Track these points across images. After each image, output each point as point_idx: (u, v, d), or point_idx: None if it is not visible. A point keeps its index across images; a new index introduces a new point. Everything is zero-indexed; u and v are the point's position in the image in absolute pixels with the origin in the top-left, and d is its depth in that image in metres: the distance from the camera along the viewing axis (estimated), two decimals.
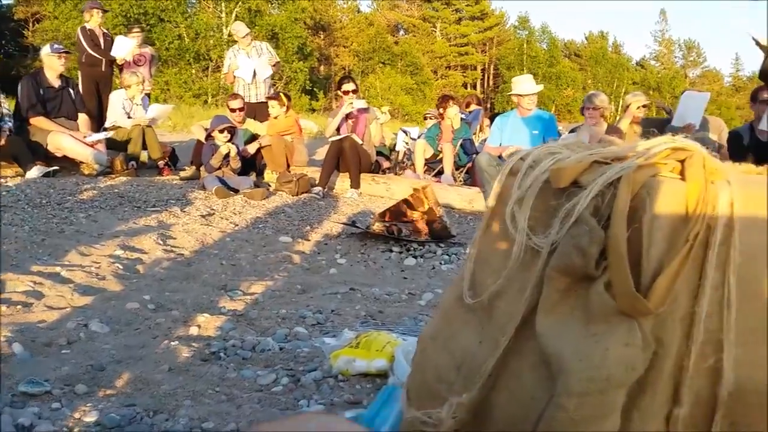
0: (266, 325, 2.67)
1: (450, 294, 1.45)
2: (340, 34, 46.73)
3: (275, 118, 7.47)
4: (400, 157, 8.51)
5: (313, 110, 32.30)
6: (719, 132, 5.86)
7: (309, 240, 4.71)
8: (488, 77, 54.40)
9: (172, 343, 2.40)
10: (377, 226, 4.65)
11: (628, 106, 6.35)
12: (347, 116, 7.13)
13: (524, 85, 6.08)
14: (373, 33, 45.47)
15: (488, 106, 45.17)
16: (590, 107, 5.82)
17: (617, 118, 7.77)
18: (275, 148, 7.24)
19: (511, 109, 6.58)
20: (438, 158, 7.43)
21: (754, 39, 2.20)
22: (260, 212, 5.59)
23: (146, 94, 8.22)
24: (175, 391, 1.96)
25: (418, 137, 8.07)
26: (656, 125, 6.25)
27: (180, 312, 2.79)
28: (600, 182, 1.10)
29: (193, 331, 2.57)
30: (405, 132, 8.46)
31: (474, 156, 6.87)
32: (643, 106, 6.30)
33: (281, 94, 7.72)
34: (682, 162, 1.11)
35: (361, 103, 6.97)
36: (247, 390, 2.00)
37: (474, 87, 54.59)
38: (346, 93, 7.07)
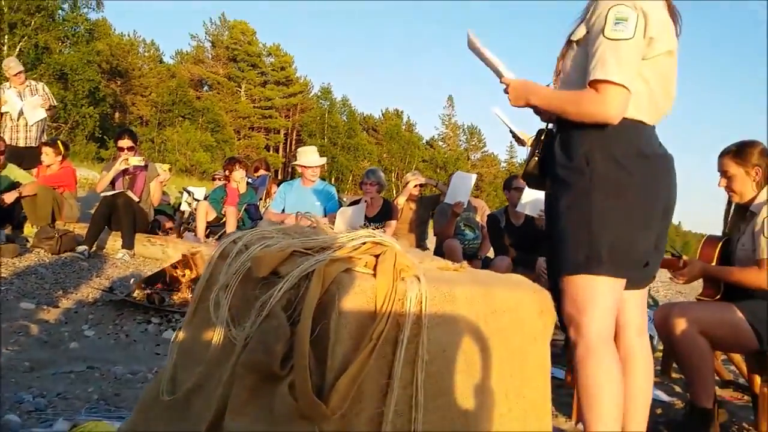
0: None
1: (151, 388, 1.33)
2: (138, 82, 44.84)
3: (48, 166, 6.77)
4: (185, 218, 8.14)
5: (101, 159, 30.19)
6: (482, 213, 6.39)
7: (57, 307, 4.22)
8: (291, 142, 55.31)
9: None
10: (138, 294, 4.32)
11: (407, 184, 6.72)
12: (124, 171, 6.68)
13: (309, 156, 6.19)
14: (174, 85, 44.25)
15: (290, 170, 45.70)
16: (367, 182, 6.06)
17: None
18: (40, 200, 6.51)
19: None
20: (221, 221, 7.21)
21: (511, 132, 2.34)
22: (7, 272, 4.94)
23: None
24: None
25: (204, 198, 7.80)
26: (431, 202, 6.69)
27: None
28: (295, 274, 1.08)
29: None
30: (188, 192, 8.13)
31: (258, 221, 6.78)
32: (420, 184, 6.70)
33: (58, 141, 7.04)
34: (377, 257, 1.13)
35: (137, 161, 6.56)
36: None
37: (276, 150, 55.12)
38: (121, 149, 6.64)
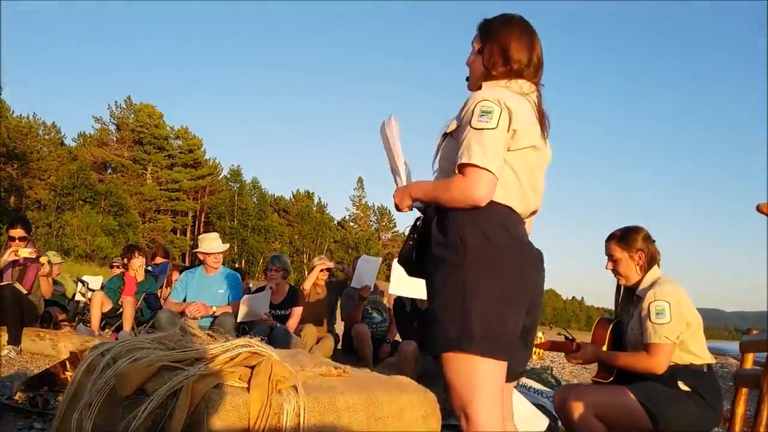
0: None
1: None
2: (37, 165, 43.04)
3: None
4: (79, 309, 7.69)
5: None
6: (389, 296, 6.40)
7: None
8: (199, 225, 54.14)
9: None
10: (20, 396, 3.97)
11: (313, 268, 6.67)
12: (14, 262, 6.27)
13: (210, 243, 6.04)
14: (75, 168, 42.76)
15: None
16: (272, 268, 5.97)
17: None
18: None
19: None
20: (118, 312, 6.84)
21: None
22: None
23: None
24: None
25: (101, 287, 7.42)
26: (338, 287, 6.64)
27: None
28: (162, 392, 1.01)
29: None
30: (82, 282, 7.72)
31: (158, 311, 6.48)
32: (326, 269, 6.66)
33: None
34: (253, 368, 1.09)
35: (27, 252, 6.19)
36: None
37: (184, 233, 53.76)
38: (12, 239, 6.26)
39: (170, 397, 1.03)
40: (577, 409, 2.78)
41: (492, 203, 1.81)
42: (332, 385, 1.18)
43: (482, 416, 1.73)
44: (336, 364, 1.35)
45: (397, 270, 4.99)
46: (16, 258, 6.16)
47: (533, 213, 2.03)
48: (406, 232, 2.05)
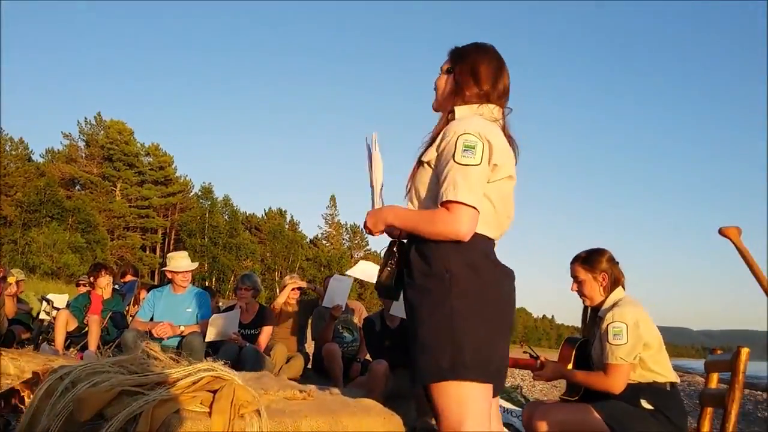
0: None
1: None
2: (3, 181, 42.17)
3: None
4: (44, 327, 7.50)
5: None
6: (360, 315, 6.38)
7: None
8: (169, 242, 53.45)
9: None
10: None
11: (284, 287, 6.62)
12: None
13: (179, 262, 5.95)
14: (43, 184, 42.01)
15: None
16: (242, 287, 5.92)
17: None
18: None
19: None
20: (84, 331, 6.70)
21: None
22: None
23: None
24: None
25: (66, 306, 7.26)
26: (309, 306, 6.59)
27: None
28: (121, 418, 1.00)
29: None
30: (47, 300, 7.55)
31: (124, 330, 6.36)
32: (298, 288, 6.62)
33: None
34: (215, 392, 1.08)
35: None
36: None
37: (154, 251, 53.05)
38: None
39: (129, 423, 1.01)
40: (542, 426, 2.81)
41: (474, 234, 1.85)
42: (297, 408, 1.17)
43: None
44: (301, 386, 1.34)
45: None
46: None
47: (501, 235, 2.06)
48: (381, 254, 2.06)
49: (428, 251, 1.88)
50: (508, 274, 1.96)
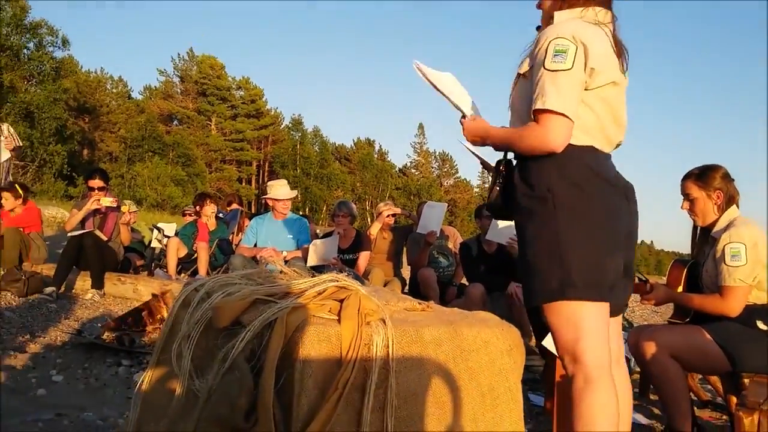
0: None
1: None
2: (107, 118, 44.46)
3: (11, 211, 6.65)
4: (156, 255, 8.01)
5: (70, 197, 29.69)
6: (454, 240, 6.41)
7: (25, 352, 4.10)
8: (263, 174, 55.11)
9: None
10: (107, 336, 4.22)
11: (379, 214, 6.72)
12: (95, 211, 6.58)
13: (279, 190, 6.16)
14: (143, 120, 43.93)
15: (263, 202, 45.57)
16: (339, 214, 6.06)
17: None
18: (7, 242, 6.38)
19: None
20: (193, 258, 7.12)
21: (479, 159, 2.36)
22: None
23: None
24: None
25: (175, 234, 7.71)
26: (404, 232, 6.69)
27: None
28: (257, 324, 1.06)
29: None
30: (158, 229, 8.02)
31: (230, 256, 6.69)
32: (392, 214, 6.70)
33: (16, 185, 6.93)
34: (341, 301, 1.12)
35: (108, 201, 6.48)
36: None
37: (249, 182, 54.93)
38: (92, 189, 6.55)
39: (265, 328, 1.07)
40: (651, 349, 2.75)
41: (573, 147, 1.79)
42: (417, 318, 1.21)
43: (589, 356, 1.75)
44: (419, 300, 1.38)
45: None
46: (99, 207, 6.47)
47: (617, 146, 1.97)
48: (472, 182, 2.05)
49: (529, 172, 1.85)
50: (619, 188, 1.87)
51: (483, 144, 1.99)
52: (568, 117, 1.73)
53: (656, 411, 3.61)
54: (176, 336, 1.22)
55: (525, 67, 1.89)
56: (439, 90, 2.07)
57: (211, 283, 1.24)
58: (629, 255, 1.91)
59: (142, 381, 1.28)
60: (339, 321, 1.09)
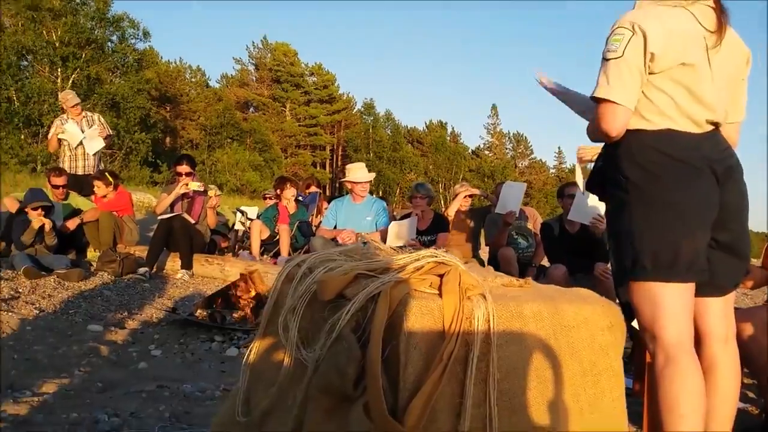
0: None
1: (226, 408, 1.36)
2: (187, 107, 46.01)
3: (103, 197, 7.04)
4: (240, 237, 8.30)
5: (155, 183, 31.04)
6: (534, 221, 6.32)
7: (124, 328, 4.36)
8: (337, 158, 55.79)
9: None
10: (200, 313, 4.42)
11: (456, 195, 6.70)
12: (183, 195, 6.87)
13: (357, 173, 6.25)
14: (221, 108, 45.20)
15: (337, 185, 46.14)
16: (417, 196, 6.09)
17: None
18: (102, 225, 6.76)
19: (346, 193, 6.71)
20: (275, 239, 7.33)
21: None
22: (74, 295, 5.12)
23: None
24: None
25: (257, 217, 7.95)
26: (481, 213, 6.65)
27: None
28: (361, 297, 1.09)
29: None
30: (242, 212, 8.30)
31: (311, 238, 6.85)
32: (470, 195, 6.67)
33: (106, 173, 7.30)
34: (441, 276, 1.13)
35: (196, 186, 6.76)
36: None
37: (323, 166, 55.73)
38: (180, 175, 6.84)
39: (369, 302, 1.10)
40: (747, 330, 2.65)
41: (644, 132, 1.82)
42: (516, 294, 1.21)
43: (667, 334, 1.76)
44: (515, 277, 1.38)
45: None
46: (187, 191, 6.75)
47: (714, 124, 1.89)
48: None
49: (610, 160, 1.91)
50: (703, 168, 1.81)
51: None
52: (617, 103, 1.77)
53: (751, 395, 3.48)
54: (281, 309, 1.28)
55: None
56: (558, 95, 2.19)
57: (312, 259, 1.29)
58: (733, 234, 1.89)
59: (250, 352, 1.34)
60: (440, 295, 1.11)
